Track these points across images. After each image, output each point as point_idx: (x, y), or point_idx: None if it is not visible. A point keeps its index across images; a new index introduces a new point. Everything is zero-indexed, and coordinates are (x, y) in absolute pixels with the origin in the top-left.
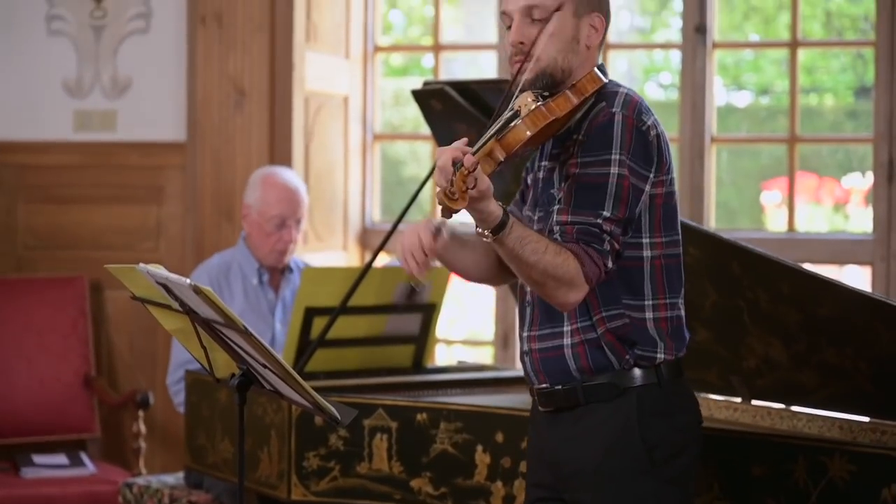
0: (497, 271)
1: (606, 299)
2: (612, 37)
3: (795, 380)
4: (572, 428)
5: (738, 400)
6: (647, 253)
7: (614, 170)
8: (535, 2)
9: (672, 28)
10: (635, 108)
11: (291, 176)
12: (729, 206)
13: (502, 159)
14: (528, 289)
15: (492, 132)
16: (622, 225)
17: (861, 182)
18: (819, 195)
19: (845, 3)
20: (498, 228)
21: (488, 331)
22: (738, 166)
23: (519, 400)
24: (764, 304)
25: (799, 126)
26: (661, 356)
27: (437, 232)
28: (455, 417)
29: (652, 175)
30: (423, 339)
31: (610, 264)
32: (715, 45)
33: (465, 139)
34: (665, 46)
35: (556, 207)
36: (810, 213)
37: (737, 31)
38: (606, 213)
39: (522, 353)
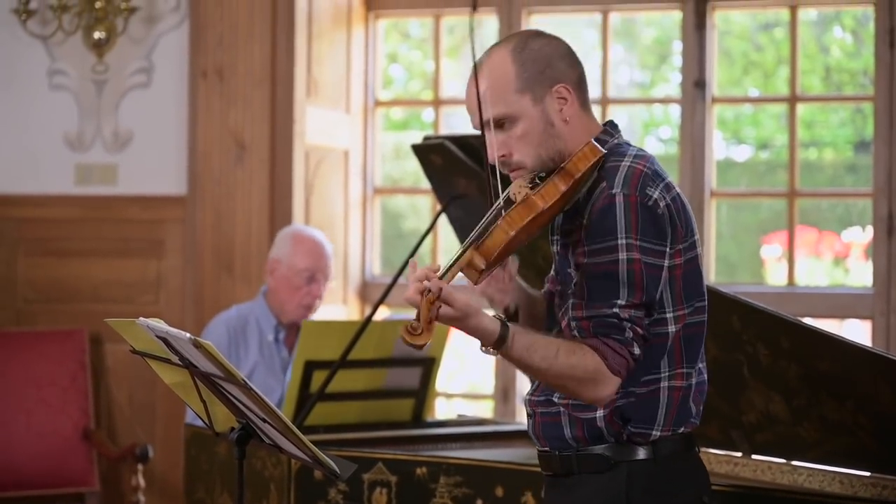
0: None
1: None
2: (611, 91)
3: (796, 434)
4: (566, 496)
5: (739, 454)
6: (671, 328)
7: (622, 255)
8: (494, 114)
9: (672, 83)
10: (637, 184)
11: (321, 235)
12: (729, 260)
13: (483, 267)
14: None
15: (472, 236)
16: (642, 309)
17: (861, 236)
18: (819, 249)
19: (844, 57)
20: (498, 343)
21: (488, 384)
22: (738, 220)
23: (519, 454)
24: (764, 359)
25: (798, 180)
26: (656, 434)
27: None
28: (455, 471)
29: (668, 248)
30: (422, 392)
31: (637, 351)
32: (714, 100)
33: (430, 266)
34: (665, 101)
35: (570, 302)
36: (810, 267)
37: (736, 86)
38: (621, 302)
39: (528, 416)
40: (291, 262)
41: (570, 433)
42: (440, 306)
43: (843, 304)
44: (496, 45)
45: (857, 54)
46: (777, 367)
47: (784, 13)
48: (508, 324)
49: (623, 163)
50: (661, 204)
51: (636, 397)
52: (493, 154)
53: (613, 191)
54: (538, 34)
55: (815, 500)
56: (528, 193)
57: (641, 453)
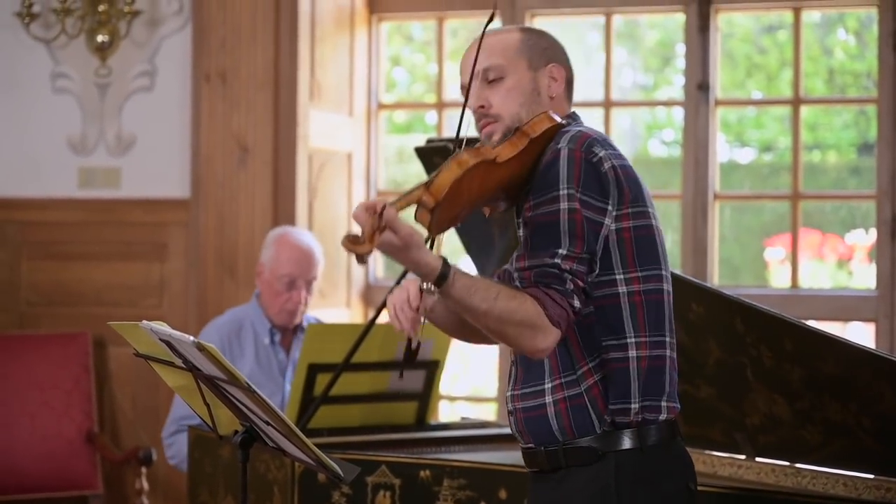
0: (470, 327)
1: (590, 347)
2: (614, 94)
3: (799, 437)
4: (554, 491)
5: (742, 457)
6: (622, 289)
7: (563, 205)
8: (487, 64)
9: (675, 85)
10: (584, 142)
11: (307, 237)
12: (732, 263)
13: (432, 205)
14: None
15: (424, 180)
16: (585, 262)
17: (864, 238)
18: (822, 252)
19: (847, 60)
20: (440, 279)
21: (491, 387)
22: (742, 223)
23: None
24: (767, 361)
25: (802, 183)
26: (634, 407)
27: (424, 287)
28: (458, 474)
29: (611, 208)
30: (426, 395)
31: (577, 303)
32: (717, 103)
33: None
34: (668, 104)
35: (514, 254)
36: (814, 269)
37: (739, 89)
38: (563, 252)
39: (508, 413)
40: (273, 267)
41: (557, 426)
42: (384, 225)
43: (846, 306)
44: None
45: (860, 56)
46: (780, 369)
47: (787, 15)
48: (450, 263)
49: (574, 127)
50: (606, 164)
51: (610, 368)
52: (474, 103)
53: (559, 146)
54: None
55: (818, 502)
56: (480, 143)
57: (627, 442)
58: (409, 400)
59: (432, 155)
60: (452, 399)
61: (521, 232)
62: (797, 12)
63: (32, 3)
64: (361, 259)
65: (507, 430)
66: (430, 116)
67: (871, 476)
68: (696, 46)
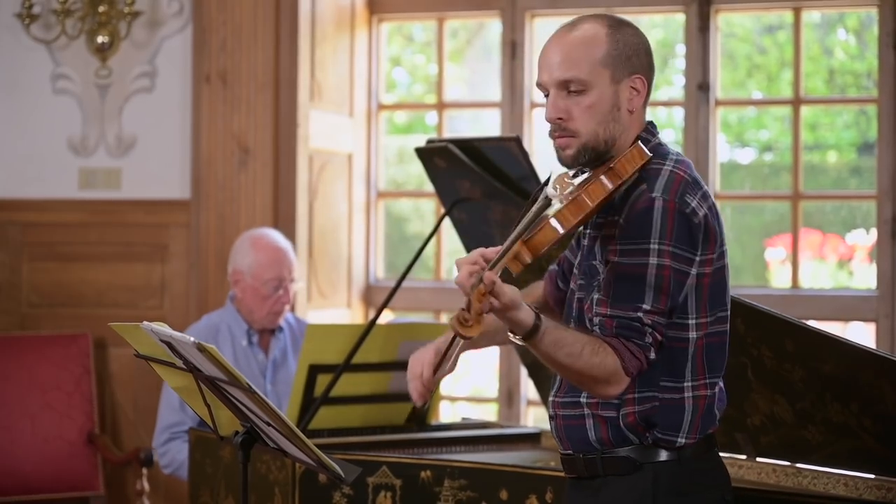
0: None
1: (643, 381)
2: None
3: (800, 437)
4: (592, 499)
5: (744, 457)
6: (692, 334)
7: (653, 260)
8: (570, 76)
9: (675, 85)
10: (678, 191)
11: (278, 236)
12: (733, 263)
13: (529, 261)
14: None
15: (519, 229)
16: (664, 315)
17: (865, 238)
18: (823, 252)
19: (848, 60)
20: (530, 335)
21: (492, 388)
22: (742, 223)
23: (524, 457)
24: (768, 361)
25: (802, 183)
26: (681, 441)
27: (438, 366)
28: (459, 475)
29: (698, 256)
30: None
31: (652, 356)
32: (718, 103)
33: (481, 249)
34: (668, 104)
35: (595, 297)
36: (814, 269)
37: (740, 89)
38: (646, 307)
39: (550, 418)
40: (255, 272)
41: (595, 436)
42: (491, 299)
43: (847, 306)
44: (587, 16)
45: (860, 56)
46: (781, 369)
47: (787, 15)
48: (542, 317)
49: (665, 167)
50: (700, 213)
51: (660, 402)
52: (552, 114)
53: (654, 195)
54: (630, 23)
55: (819, 502)
56: (577, 192)
57: (665, 454)
58: (410, 400)
59: (432, 155)
60: (453, 399)
61: (584, 241)
62: (797, 12)
63: (33, 4)
64: (469, 340)
65: (508, 431)
66: (431, 117)
67: (872, 476)
68: (697, 46)
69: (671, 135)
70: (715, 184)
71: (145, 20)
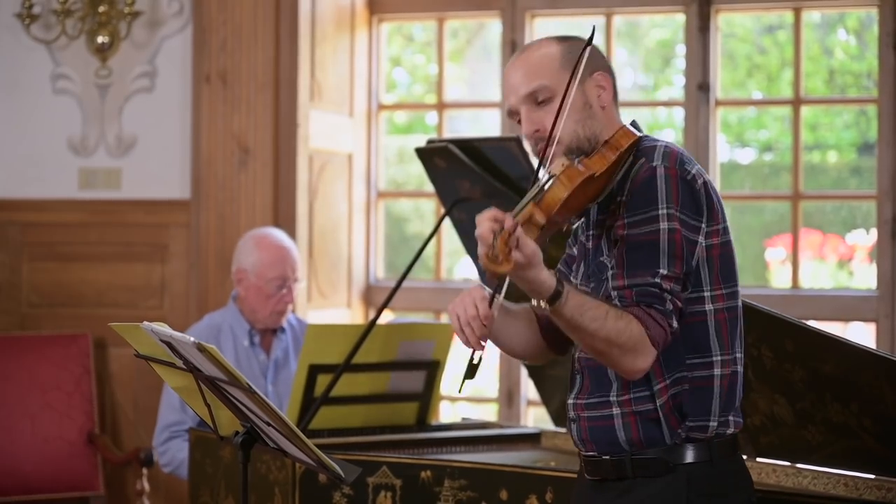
0: (539, 345)
1: (670, 363)
2: None
3: (800, 437)
4: (619, 500)
5: (744, 457)
6: (709, 307)
7: (664, 225)
8: (535, 86)
9: (675, 86)
10: (676, 159)
11: (283, 236)
12: None
13: (543, 223)
14: (577, 355)
15: (529, 197)
16: (681, 281)
17: (865, 239)
18: (823, 252)
19: (848, 60)
20: (553, 298)
21: (492, 388)
22: (742, 223)
23: (523, 457)
24: (768, 362)
25: (802, 183)
26: (713, 424)
27: (492, 298)
28: (459, 475)
29: (704, 225)
30: (427, 396)
31: (675, 324)
32: (718, 103)
33: (494, 209)
34: (668, 104)
35: (609, 273)
36: (814, 269)
37: (740, 89)
38: (663, 271)
39: (569, 420)
40: (259, 272)
41: (625, 436)
42: (517, 241)
43: (847, 306)
44: (534, 41)
45: (860, 57)
46: (781, 369)
47: (788, 16)
48: (564, 281)
49: (659, 144)
50: (699, 181)
51: (689, 384)
52: (528, 128)
53: (654, 163)
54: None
55: (819, 502)
56: (579, 160)
57: (695, 455)
58: (410, 400)
59: (432, 155)
60: (453, 400)
61: (588, 244)
62: (797, 12)
63: (33, 5)
64: (498, 282)
65: (508, 431)
66: (431, 117)
67: (873, 476)
68: (697, 47)
69: (671, 135)
70: (715, 184)
71: (145, 20)
